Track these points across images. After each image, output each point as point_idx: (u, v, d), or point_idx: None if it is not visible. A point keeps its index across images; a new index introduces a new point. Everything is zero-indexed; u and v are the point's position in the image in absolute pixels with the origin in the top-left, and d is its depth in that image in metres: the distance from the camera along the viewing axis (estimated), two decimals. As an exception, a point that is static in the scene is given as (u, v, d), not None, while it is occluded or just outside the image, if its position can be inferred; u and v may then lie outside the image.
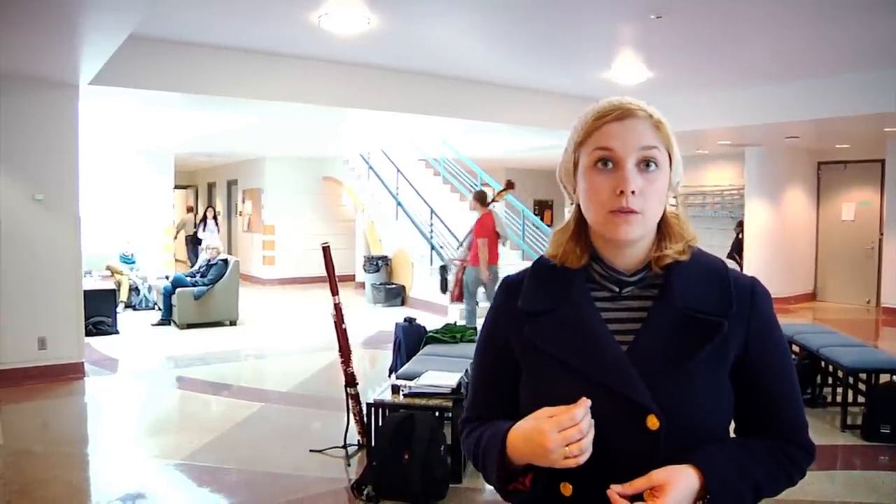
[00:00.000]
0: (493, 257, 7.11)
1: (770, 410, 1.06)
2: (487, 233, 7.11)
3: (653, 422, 0.96)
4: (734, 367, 1.03)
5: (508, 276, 1.18)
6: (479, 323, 6.23)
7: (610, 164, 1.01)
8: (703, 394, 1.00)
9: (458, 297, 7.44)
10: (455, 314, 8.66)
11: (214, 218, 13.58)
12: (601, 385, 0.99)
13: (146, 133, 9.50)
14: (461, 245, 8.01)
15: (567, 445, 0.91)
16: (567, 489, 0.99)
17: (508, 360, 1.11)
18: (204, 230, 13.20)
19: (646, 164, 1.01)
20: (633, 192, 0.99)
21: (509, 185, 8.16)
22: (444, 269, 8.24)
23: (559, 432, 0.92)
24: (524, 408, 1.08)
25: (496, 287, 1.20)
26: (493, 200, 7.69)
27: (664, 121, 1.04)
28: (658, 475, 0.93)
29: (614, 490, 0.93)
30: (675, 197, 1.10)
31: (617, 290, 1.07)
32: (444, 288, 8.09)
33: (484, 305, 7.06)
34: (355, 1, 4.70)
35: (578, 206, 1.09)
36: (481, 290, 7.28)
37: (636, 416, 0.97)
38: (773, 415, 1.06)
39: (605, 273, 1.07)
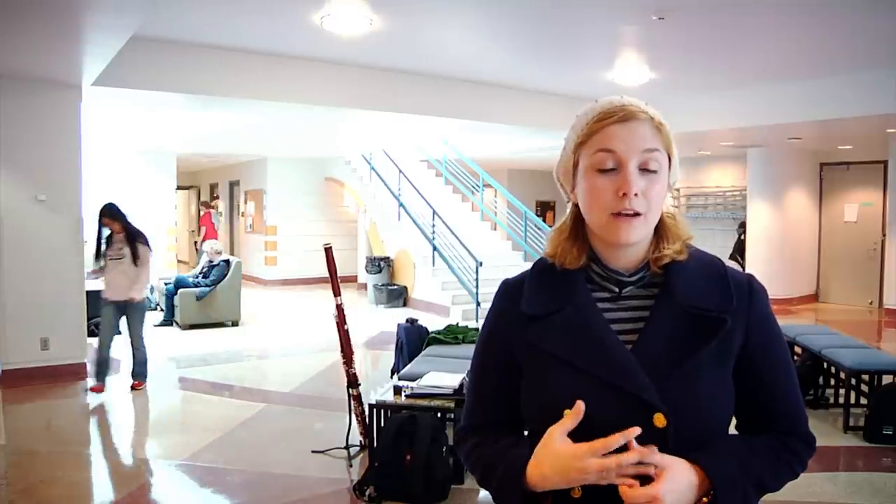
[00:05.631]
0: (210, 235, 12.77)
1: (770, 403, 1.07)
2: (207, 223, 13.28)
3: (660, 420, 0.97)
4: (735, 362, 1.04)
5: (507, 279, 1.17)
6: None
7: (612, 166, 1.01)
8: (708, 390, 1.01)
9: None
10: (457, 315, 8.69)
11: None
12: (609, 385, 0.99)
13: (149, 134, 9.52)
14: (198, 230, 13.98)
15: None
16: (577, 492, 0.99)
17: (510, 364, 1.10)
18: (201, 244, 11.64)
19: (647, 166, 1.01)
20: (635, 195, 0.99)
21: (216, 198, 15.71)
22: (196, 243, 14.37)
23: (597, 459, 0.93)
24: (527, 411, 1.09)
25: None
26: (210, 206, 14.16)
27: (665, 123, 1.04)
28: (665, 459, 0.94)
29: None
30: (673, 197, 1.10)
31: (616, 290, 1.07)
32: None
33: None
34: (357, 1, 4.71)
35: (576, 205, 1.09)
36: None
37: (643, 414, 0.97)
38: (774, 407, 1.07)
39: (605, 274, 1.07)
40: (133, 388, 5.65)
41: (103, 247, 5.54)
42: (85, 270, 5.99)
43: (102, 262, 5.53)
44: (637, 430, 0.93)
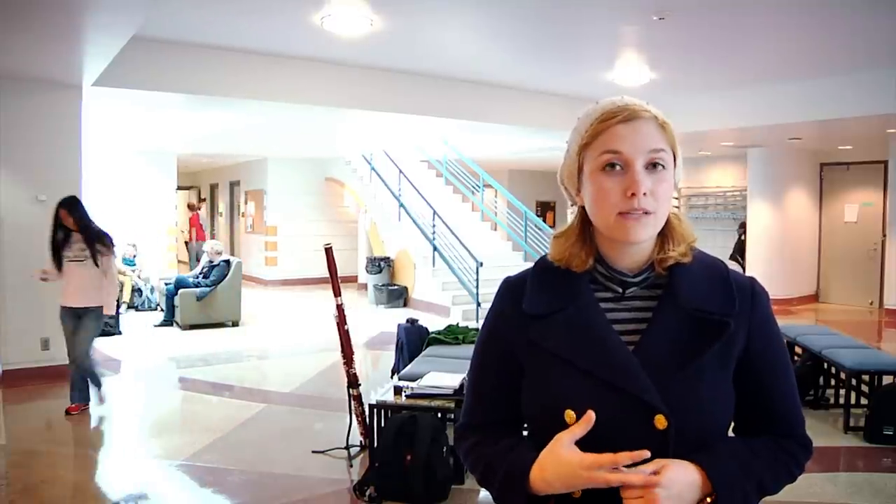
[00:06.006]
0: (200, 237, 13.20)
1: (769, 407, 1.08)
2: (195, 224, 13.50)
3: (661, 422, 0.96)
4: (735, 365, 1.04)
5: (508, 277, 1.16)
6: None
7: (618, 167, 1.00)
8: (709, 393, 1.01)
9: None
10: (457, 315, 8.69)
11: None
12: (610, 386, 0.99)
13: (149, 134, 9.53)
14: (188, 231, 14.21)
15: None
16: (577, 493, 1.00)
17: (511, 363, 1.09)
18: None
19: (653, 165, 1.01)
20: (644, 194, 0.99)
21: (202, 200, 16.91)
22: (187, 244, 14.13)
23: (602, 473, 0.93)
24: (528, 410, 1.09)
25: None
26: (196, 208, 14.15)
27: (669, 122, 1.04)
28: (660, 461, 0.94)
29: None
30: (676, 198, 1.10)
31: (620, 290, 1.07)
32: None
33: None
34: (357, 2, 4.71)
35: (582, 208, 1.08)
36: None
37: (644, 416, 0.97)
38: (773, 411, 1.08)
39: (609, 274, 1.07)
40: (68, 412, 4.76)
41: (60, 245, 4.67)
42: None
43: (61, 262, 4.66)
44: (646, 454, 0.92)
